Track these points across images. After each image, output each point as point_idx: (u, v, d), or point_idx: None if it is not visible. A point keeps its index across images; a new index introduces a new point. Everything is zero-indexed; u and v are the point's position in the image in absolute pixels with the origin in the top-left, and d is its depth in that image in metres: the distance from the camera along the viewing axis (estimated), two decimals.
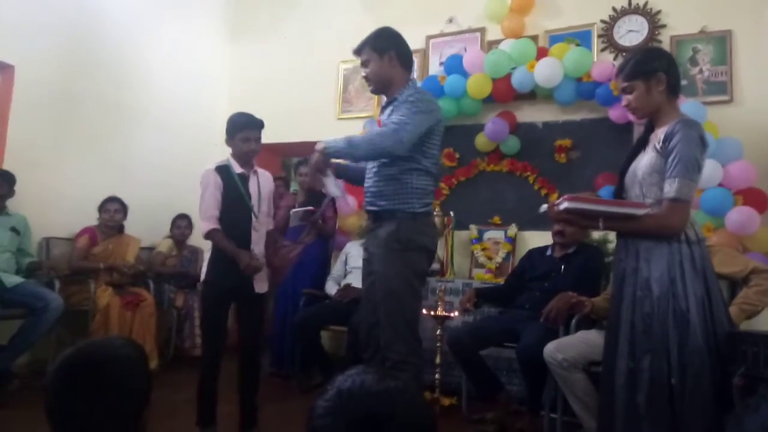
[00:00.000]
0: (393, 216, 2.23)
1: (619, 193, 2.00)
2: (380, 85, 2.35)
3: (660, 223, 1.78)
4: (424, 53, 4.57)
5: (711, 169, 3.16)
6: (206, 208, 2.67)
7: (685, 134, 1.75)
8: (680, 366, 1.69)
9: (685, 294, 1.72)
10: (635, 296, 1.80)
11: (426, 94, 2.31)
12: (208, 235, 2.67)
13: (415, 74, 4.51)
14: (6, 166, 3.61)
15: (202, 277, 2.74)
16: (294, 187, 5.18)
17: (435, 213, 4.11)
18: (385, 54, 2.30)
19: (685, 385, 1.68)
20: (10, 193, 3.51)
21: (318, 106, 4.87)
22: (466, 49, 4.30)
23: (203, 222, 2.69)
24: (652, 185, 1.84)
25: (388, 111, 2.31)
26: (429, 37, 4.57)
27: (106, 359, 1.04)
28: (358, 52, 2.36)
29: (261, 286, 2.76)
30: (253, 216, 2.72)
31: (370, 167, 2.36)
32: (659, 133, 1.86)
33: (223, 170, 2.70)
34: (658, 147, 1.83)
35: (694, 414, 1.66)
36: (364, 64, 2.36)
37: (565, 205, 1.78)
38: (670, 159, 1.77)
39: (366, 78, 2.37)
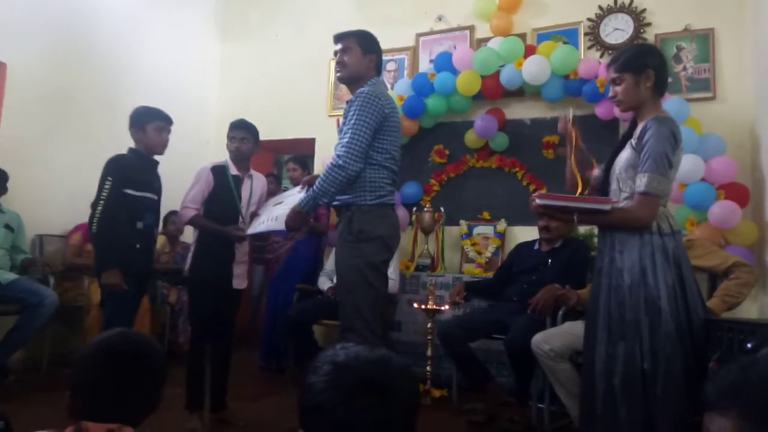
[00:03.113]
0: (348, 209, 2.34)
1: (604, 188, 2.05)
2: (350, 77, 2.44)
3: (629, 216, 1.84)
4: (414, 51, 4.62)
5: (694, 165, 3.23)
6: (190, 199, 2.83)
7: (656, 131, 1.82)
8: (652, 351, 1.76)
9: (656, 283, 1.79)
10: (611, 285, 1.87)
11: (373, 91, 2.32)
12: (191, 221, 2.83)
13: (405, 72, 4.60)
14: None
15: (187, 267, 2.86)
16: (285, 183, 5.21)
17: (426, 209, 4.18)
18: (368, 55, 2.43)
19: (657, 369, 1.74)
20: (3, 190, 3.53)
21: (309, 103, 4.91)
22: (455, 47, 4.36)
23: (184, 209, 2.85)
24: (628, 179, 1.91)
25: (346, 110, 2.38)
26: (419, 35, 4.62)
27: (147, 346, 1.24)
28: (343, 37, 2.44)
29: (239, 282, 2.88)
30: (240, 218, 2.83)
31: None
32: (638, 130, 1.92)
33: (218, 170, 2.85)
34: (633, 143, 1.90)
35: (667, 397, 1.73)
36: (343, 51, 2.43)
37: (537, 201, 1.87)
38: (641, 154, 1.84)
39: (340, 63, 2.43)
